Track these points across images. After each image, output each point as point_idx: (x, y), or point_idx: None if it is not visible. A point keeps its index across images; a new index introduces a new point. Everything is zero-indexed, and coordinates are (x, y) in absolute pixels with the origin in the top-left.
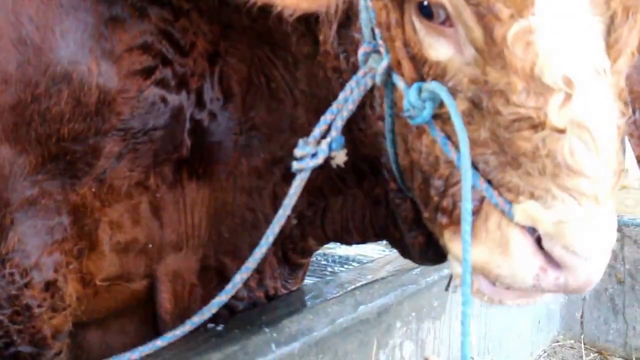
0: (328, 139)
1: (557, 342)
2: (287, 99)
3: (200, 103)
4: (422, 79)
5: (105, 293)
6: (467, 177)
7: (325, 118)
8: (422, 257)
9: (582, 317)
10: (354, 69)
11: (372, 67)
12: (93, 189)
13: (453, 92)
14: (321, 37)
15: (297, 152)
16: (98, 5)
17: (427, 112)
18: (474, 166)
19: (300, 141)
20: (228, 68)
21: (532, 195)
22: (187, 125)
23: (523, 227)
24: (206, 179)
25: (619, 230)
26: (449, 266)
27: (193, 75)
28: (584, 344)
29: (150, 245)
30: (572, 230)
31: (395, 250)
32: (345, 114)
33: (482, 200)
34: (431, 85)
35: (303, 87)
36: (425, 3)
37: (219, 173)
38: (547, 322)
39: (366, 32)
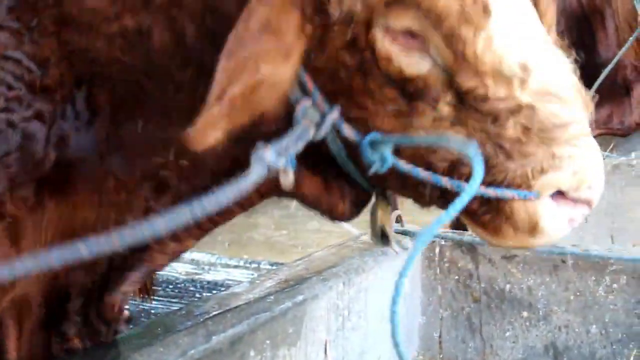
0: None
1: None
2: (162, 113)
3: (63, 117)
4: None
5: None
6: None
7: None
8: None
9: (440, 336)
10: None
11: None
12: None
13: (435, 100)
14: None
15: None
16: None
17: (390, 161)
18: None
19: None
20: (96, 82)
21: (542, 170)
22: (50, 139)
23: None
24: (68, 196)
25: (473, 250)
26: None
27: (55, 90)
28: None
29: None
30: (589, 172)
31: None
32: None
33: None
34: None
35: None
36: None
37: (83, 190)
38: (405, 343)
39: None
